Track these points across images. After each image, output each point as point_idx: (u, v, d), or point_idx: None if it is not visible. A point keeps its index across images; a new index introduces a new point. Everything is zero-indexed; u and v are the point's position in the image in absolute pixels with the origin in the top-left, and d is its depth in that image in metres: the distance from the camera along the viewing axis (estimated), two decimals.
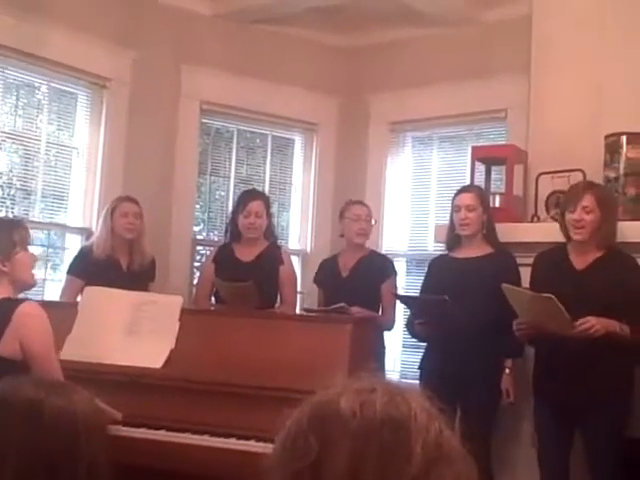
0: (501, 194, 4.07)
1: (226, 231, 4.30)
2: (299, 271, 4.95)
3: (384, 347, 4.01)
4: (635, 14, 3.90)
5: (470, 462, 0.93)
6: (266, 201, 4.16)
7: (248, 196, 4.16)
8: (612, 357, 3.11)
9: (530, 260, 3.67)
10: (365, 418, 0.88)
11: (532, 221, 3.93)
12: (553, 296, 3.02)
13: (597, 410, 3.16)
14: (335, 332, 3.24)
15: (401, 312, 4.17)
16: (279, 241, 4.42)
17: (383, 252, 4.83)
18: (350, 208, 4.09)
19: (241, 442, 2.84)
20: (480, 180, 4.22)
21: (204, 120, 5.06)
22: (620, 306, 3.14)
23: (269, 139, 5.33)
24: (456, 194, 3.73)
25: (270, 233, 4.17)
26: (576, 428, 3.27)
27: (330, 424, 0.89)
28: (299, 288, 4.61)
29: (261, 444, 2.78)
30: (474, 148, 4.34)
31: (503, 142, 4.57)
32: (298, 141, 5.40)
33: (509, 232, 3.80)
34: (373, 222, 4.13)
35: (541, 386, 3.38)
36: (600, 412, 3.15)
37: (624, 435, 3.26)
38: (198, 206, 5.16)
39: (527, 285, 3.48)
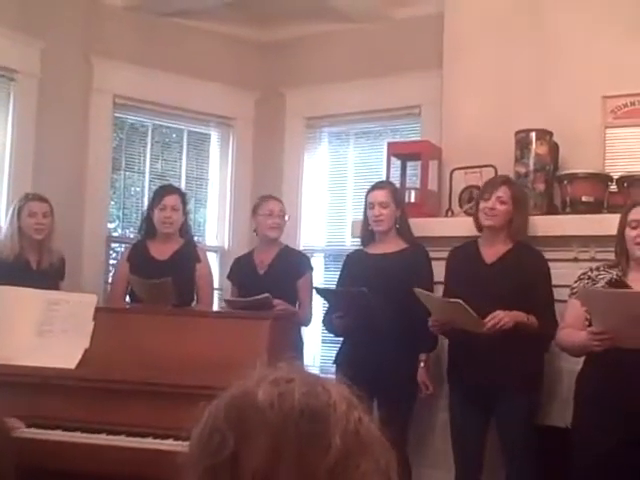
0: (416, 189, 4.14)
1: (140, 228, 4.23)
2: (216, 268, 4.91)
3: (302, 342, 4.02)
4: (541, 12, 4.01)
5: (389, 450, 0.92)
6: (182, 196, 4.11)
7: (164, 190, 4.11)
8: (523, 344, 3.20)
9: (445, 254, 3.74)
10: (283, 409, 0.87)
11: (446, 216, 4.01)
12: (461, 301, 3.10)
13: (510, 396, 3.24)
14: (253, 328, 3.23)
15: (318, 307, 4.18)
16: (195, 238, 4.37)
17: (301, 248, 4.84)
18: (263, 204, 4.08)
19: (158, 441, 2.80)
20: (396, 175, 4.27)
21: (117, 114, 4.95)
22: (527, 297, 3.24)
23: (185, 134, 5.26)
24: (369, 191, 3.77)
25: (186, 230, 4.13)
26: (490, 415, 3.36)
27: (247, 417, 0.87)
28: (216, 285, 4.57)
29: (179, 443, 2.75)
30: (389, 144, 4.40)
31: (418, 138, 4.64)
32: (214, 136, 5.35)
33: (424, 227, 3.86)
34: (287, 217, 4.13)
35: (455, 374, 3.46)
36: (513, 399, 3.24)
37: (537, 422, 3.36)
38: (113, 202, 5.06)
39: (442, 279, 3.55)
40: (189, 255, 4.06)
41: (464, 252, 3.52)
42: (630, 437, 2.82)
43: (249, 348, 3.16)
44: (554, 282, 3.35)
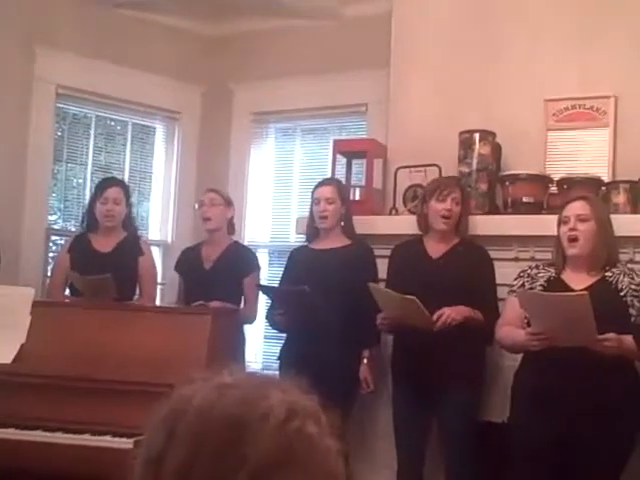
0: (361, 187, 4.16)
1: (82, 220, 4.17)
2: (159, 262, 4.85)
3: (244, 339, 4.00)
4: (487, 16, 4.06)
5: (336, 461, 0.89)
6: (125, 189, 4.06)
7: (106, 183, 4.07)
8: (465, 341, 3.25)
9: (388, 252, 3.77)
10: (210, 416, 0.85)
11: (391, 214, 4.03)
12: (415, 298, 3.13)
13: (451, 393, 3.28)
14: (194, 324, 3.21)
15: (263, 305, 4.17)
16: (139, 231, 4.32)
17: (245, 243, 4.82)
18: (202, 195, 4.09)
19: (95, 438, 2.76)
20: (341, 173, 4.28)
21: (60, 105, 4.85)
22: (472, 292, 3.29)
23: (129, 126, 5.18)
24: (316, 187, 3.78)
25: (129, 223, 4.08)
26: (433, 412, 3.39)
27: (178, 419, 0.87)
28: (160, 279, 4.52)
29: (117, 439, 2.72)
30: (335, 142, 4.41)
31: (364, 136, 4.66)
32: (160, 129, 5.29)
33: (368, 224, 3.88)
34: (231, 213, 4.11)
35: (399, 370, 3.49)
36: (454, 395, 3.28)
37: (478, 418, 3.41)
38: (54, 194, 4.96)
39: (385, 276, 3.58)
40: (132, 248, 4.02)
41: (408, 248, 3.56)
42: (564, 433, 2.89)
43: (189, 344, 3.14)
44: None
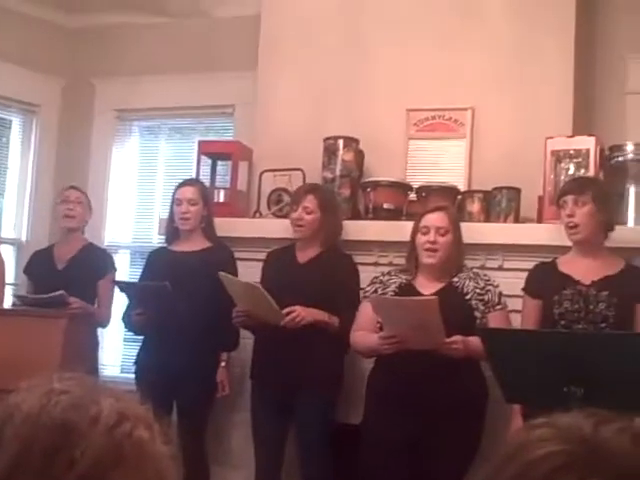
0: (226, 189, 4.13)
1: None
2: (12, 262, 4.64)
3: (97, 343, 3.91)
4: (355, 25, 4.13)
5: (167, 464, 0.90)
6: None
7: None
8: (323, 345, 3.28)
9: (251, 255, 3.77)
10: (37, 422, 0.85)
11: (254, 217, 4.03)
12: (259, 285, 3.18)
13: (308, 396, 3.31)
14: (47, 327, 3.10)
15: (119, 306, 4.06)
16: None
17: (106, 244, 4.69)
18: (61, 193, 3.95)
19: None
20: (206, 174, 4.24)
21: None
22: (335, 298, 3.32)
23: None
24: (177, 187, 3.73)
25: None
26: (290, 414, 3.40)
27: (5, 426, 0.86)
28: (13, 280, 4.32)
29: None
30: (200, 142, 4.35)
31: (231, 137, 4.63)
32: (16, 122, 5.04)
33: (232, 227, 3.86)
34: (91, 205, 4.00)
35: (258, 374, 3.48)
36: (311, 398, 3.31)
37: (336, 420, 3.45)
38: None
39: (247, 280, 3.56)
40: None
41: (281, 254, 3.58)
42: (413, 433, 2.98)
43: (42, 348, 3.03)
44: None
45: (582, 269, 3.00)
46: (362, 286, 3.36)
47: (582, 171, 3.46)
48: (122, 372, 4.66)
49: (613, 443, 0.69)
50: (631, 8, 3.94)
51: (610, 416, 0.73)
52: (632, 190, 3.53)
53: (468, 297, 3.10)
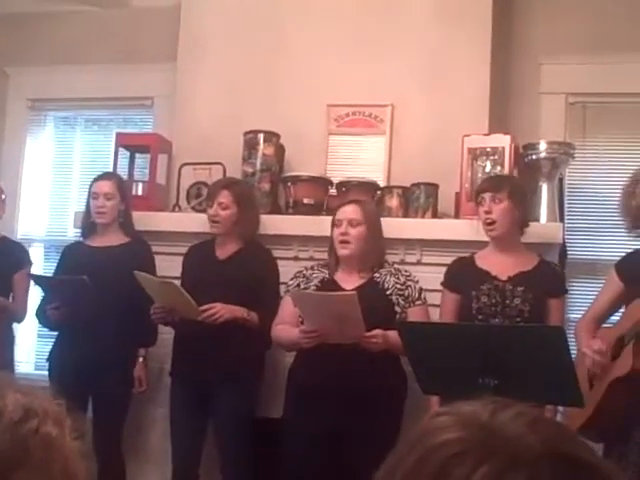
0: (144, 182, 4.06)
1: None
2: None
3: (13, 337, 3.80)
4: (276, 20, 4.11)
5: (77, 460, 0.88)
6: None
7: None
8: (243, 339, 3.26)
9: (170, 249, 3.72)
10: None
11: (173, 210, 3.97)
12: (174, 282, 3.16)
13: (226, 392, 3.29)
14: None
15: (34, 301, 3.95)
16: None
17: (19, 237, 4.55)
18: None
19: None
20: (124, 167, 4.16)
21: None
22: (255, 294, 3.31)
23: None
24: (94, 181, 3.65)
25: None
26: (208, 413, 3.37)
27: None
28: None
29: None
30: (118, 134, 4.27)
31: (150, 130, 4.55)
32: None
33: (150, 221, 3.80)
34: (3, 197, 3.86)
35: (178, 369, 3.45)
36: (229, 394, 3.29)
37: (257, 414, 3.44)
38: None
39: (164, 274, 3.51)
40: None
41: (200, 249, 3.54)
42: (333, 425, 3.00)
43: None
44: None
45: (499, 265, 3.08)
46: (284, 280, 3.36)
47: (498, 168, 3.54)
48: (36, 369, 4.55)
49: (509, 428, 0.69)
50: (546, 12, 4.07)
51: (508, 403, 0.73)
52: (544, 187, 3.64)
53: (389, 292, 3.14)
